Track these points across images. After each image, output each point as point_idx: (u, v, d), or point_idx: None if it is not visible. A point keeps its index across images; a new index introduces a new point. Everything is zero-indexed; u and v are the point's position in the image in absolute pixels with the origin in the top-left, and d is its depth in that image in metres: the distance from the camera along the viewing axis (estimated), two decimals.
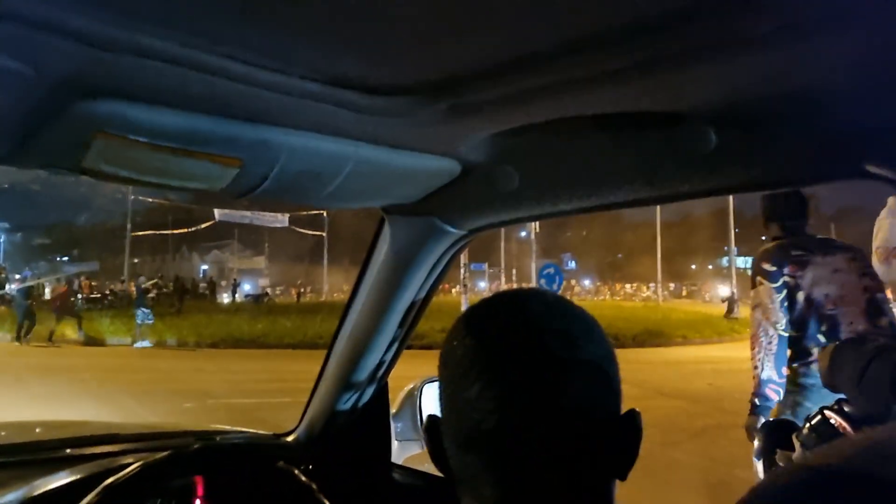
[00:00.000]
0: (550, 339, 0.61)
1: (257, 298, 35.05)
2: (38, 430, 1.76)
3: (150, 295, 21.60)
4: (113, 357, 12.95)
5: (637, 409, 0.66)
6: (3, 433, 1.73)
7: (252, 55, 0.65)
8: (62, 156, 0.79)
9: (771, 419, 2.20)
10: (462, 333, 0.65)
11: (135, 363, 12.04)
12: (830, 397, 2.84)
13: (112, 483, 1.03)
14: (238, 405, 7.70)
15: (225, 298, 35.05)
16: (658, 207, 32.04)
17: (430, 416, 0.70)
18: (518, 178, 0.96)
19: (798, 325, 2.70)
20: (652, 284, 35.90)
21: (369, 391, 1.53)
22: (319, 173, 0.90)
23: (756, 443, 1.56)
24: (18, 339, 14.85)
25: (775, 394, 2.73)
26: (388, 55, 0.67)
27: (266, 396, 8.00)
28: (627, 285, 56.31)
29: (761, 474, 1.48)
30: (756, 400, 2.74)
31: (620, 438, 0.63)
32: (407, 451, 1.66)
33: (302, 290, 40.82)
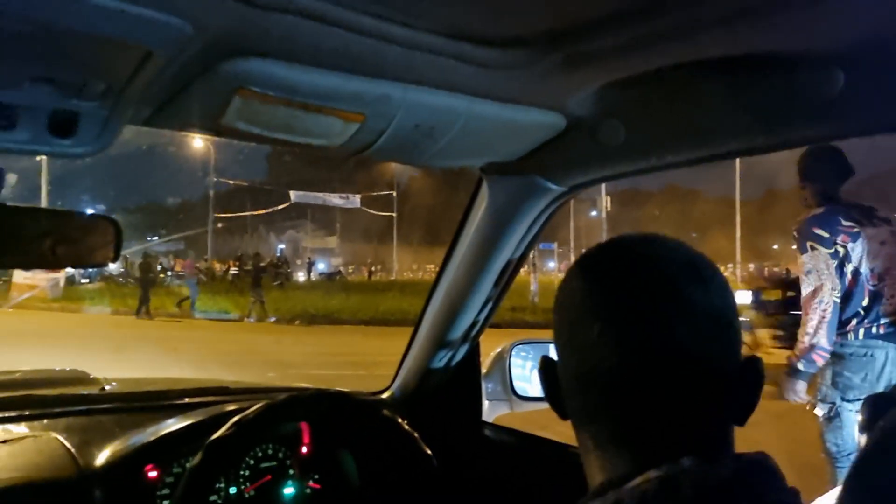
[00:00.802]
0: (675, 279, 0.61)
1: (330, 276, 36.13)
2: (157, 384, 1.92)
3: (234, 272, 22.66)
4: (200, 329, 13.68)
5: (758, 356, 0.66)
6: (124, 387, 1.89)
7: (383, 9, 0.70)
8: (203, 114, 0.87)
9: (873, 393, 2.14)
10: (580, 276, 0.67)
11: (220, 335, 12.68)
12: (869, 367, 2.75)
13: (241, 419, 1.12)
14: (318, 376, 8.00)
15: (300, 276, 36.23)
16: (738, 181, 30.74)
17: (545, 358, 0.72)
18: (624, 131, 0.98)
19: (843, 297, 2.70)
20: (730, 265, 34.50)
21: (462, 350, 1.58)
22: (432, 128, 0.95)
23: (858, 416, 1.53)
24: (139, 313, 15.66)
25: (821, 359, 2.70)
26: (511, 5, 0.70)
27: (343, 369, 8.29)
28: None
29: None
30: (800, 364, 2.72)
31: (741, 383, 0.62)
32: (497, 411, 1.71)
33: (373, 268, 41.67)
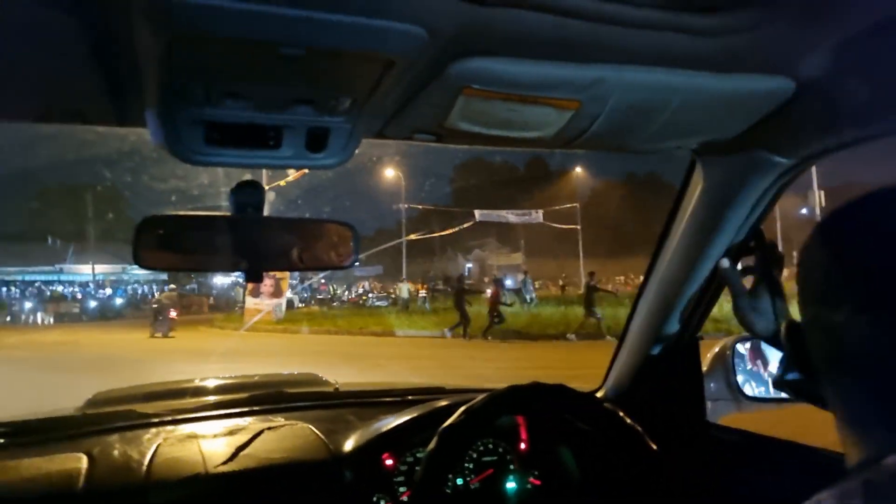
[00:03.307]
0: None
1: (518, 292, 36.41)
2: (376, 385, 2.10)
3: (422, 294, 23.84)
4: (397, 346, 14.57)
5: None
6: (351, 387, 2.08)
7: None
8: (430, 118, 0.95)
9: None
10: (823, 246, 0.61)
11: (416, 351, 13.38)
12: None
13: (469, 408, 1.18)
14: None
15: (488, 293, 37.02)
16: None
17: (792, 323, 0.67)
18: (868, 89, 0.88)
19: None
20: None
21: (680, 346, 1.51)
22: (648, 110, 0.93)
23: None
24: (465, 335, 15.94)
25: None
26: None
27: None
28: None
29: None
30: None
31: None
32: (721, 412, 1.60)
33: (563, 283, 41.29)
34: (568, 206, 39.75)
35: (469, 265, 51.60)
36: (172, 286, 31.09)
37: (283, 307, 20.32)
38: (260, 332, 17.42)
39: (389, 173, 34.25)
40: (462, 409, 1.19)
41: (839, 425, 0.62)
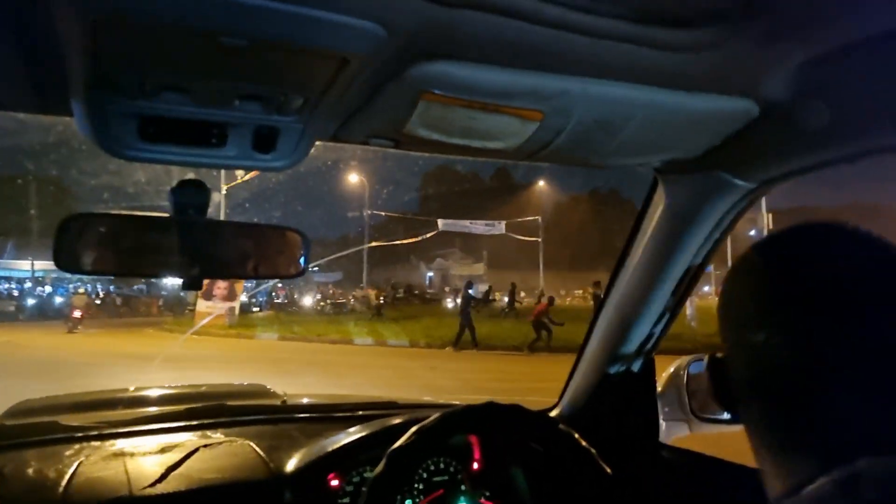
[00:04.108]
0: (851, 279, 0.56)
1: (479, 302, 36.55)
2: (330, 398, 2.02)
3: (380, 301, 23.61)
4: (356, 355, 14.39)
5: None
6: (300, 400, 2.00)
7: None
8: (387, 123, 0.89)
9: None
10: (744, 273, 0.63)
11: (374, 360, 13.24)
12: None
13: (420, 428, 1.13)
14: (477, 401, 8.06)
15: (449, 303, 37.05)
16: None
17: (713, 357, 0.69)
18: (829, 113, 0.87)
19: None
20: None
21: (636, 365, 1.49)
22: (611, 124, 0.91)
23: None
24: (474, 344, 15.08)
25: None
26: None
27: (498, 395, 8.24)
28: None
29: None
30: None
31: None
32: (674, 432, 1.59)
33: (517, 296, 41.52)
34: (531, 218, 40.14)
35: (431, 274, 51.56)
36: (112, 287, 30.48)
37: (237, 311, 19.87)
38: (211, 336, 17.00)
39: (353, 178, 34.01)
40: (413, 429, 1.13)
41: (758, 455, 0.62)
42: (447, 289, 42.54)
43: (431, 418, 1.16)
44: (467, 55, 0.76)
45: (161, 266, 1.08)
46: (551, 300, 16.47)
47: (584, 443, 1.23)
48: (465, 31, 0.71)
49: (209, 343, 15.71)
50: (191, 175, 1.15)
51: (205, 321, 17.61)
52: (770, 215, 22.67)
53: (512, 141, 0.93)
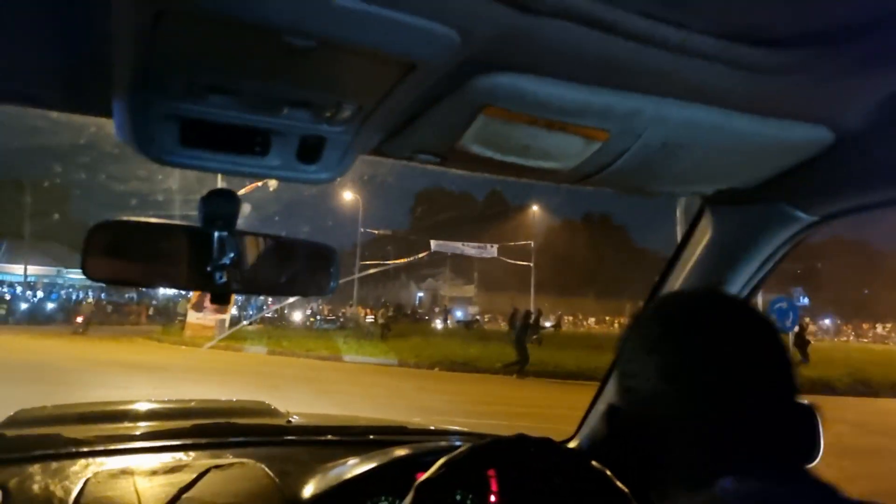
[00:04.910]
0: (717, 342, 0.69)
1: (468, 324, 36.48)
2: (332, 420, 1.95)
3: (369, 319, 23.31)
4: (343, 372, 14.23)
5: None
6: (305, 420, 1.93)
7: (657, 8, 0.63)
8: (440, 137, 0.85)
9: None
10: (635, 330, 0.76)
11: (364, 378, 13.08)
12: None
13: (449, 460, 1.07)
14: (465, 423, 7.97)
15: (438, 324, 36.92)
16: None
17: (610, 406, 0.76)
18: None
19: None
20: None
21: None
22: (677, 147, 0.87)
23: None
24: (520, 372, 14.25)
25: None
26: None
27: (490, 418, 8.15)
28: (878, 326, 48.62)
29: None
30: None
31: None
32: None
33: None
34: (522, 242, 40.15)
35: (421, 294, 51.38)
36: (103, 295, 30.23)
37: (227, 323, 19.65)
38: (200, 347, 16.78)
39: (347, 195, 33.95)
40: (442, 461, 1.08)
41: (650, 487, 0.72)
42: (437, 309, 42.42)
43: (460, 450, 1.10)
44: (540, 68, 0.72)
45: (189, 277, 1.03)
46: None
47: (618, 484, 1.18)
48: (545, 42, 0.67)
49: (199, 355, 15.52)
50: (222, 184, 1.10)
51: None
52: None
53: (569, 162, 0.89)
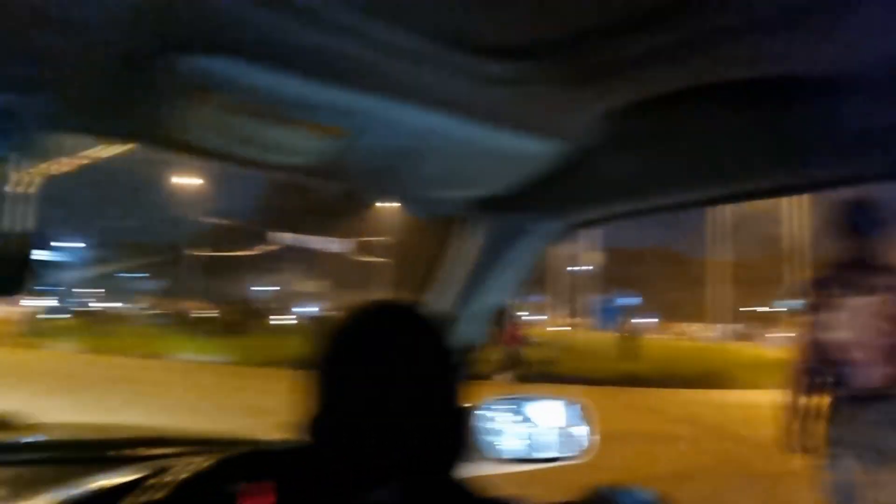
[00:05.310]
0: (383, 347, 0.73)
1: (316, 321, 36.04)
2: (87, 431, 1.75)
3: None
4: (164, 371, 13.31)
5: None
6: (55, 433, 1.72)
7: (380, 8, 0.59)
8: (151, 122, 0.76)
9: None
10: (329, 338, 0.77)
11: (188, 379, 12.32)
12: None
13: (152, 484, 0.95)
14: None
15: (287, 320, 35.96)
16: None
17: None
18: (636, 164, 0.86)
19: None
20: (719, 325, 35.05)
21: None
22: (419, 153, 0.85)
23: None
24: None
25: None
26: (526, 10, 0.60)
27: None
28: (695, 325, 54.86)
29: None
30: None
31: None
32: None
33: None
34: (375, 238, 40.18)
35: (268, 288, 49.65)
36: None
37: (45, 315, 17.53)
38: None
39: (180, 179, 31.75)
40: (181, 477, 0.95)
41: None
42: (284, 306, 41.25)
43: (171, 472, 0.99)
44: (258, 55, 0.65)
45: None
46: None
47: None
48: (260, 28, 0.61)
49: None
50: None
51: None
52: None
53: (305, 158, 0.84)
